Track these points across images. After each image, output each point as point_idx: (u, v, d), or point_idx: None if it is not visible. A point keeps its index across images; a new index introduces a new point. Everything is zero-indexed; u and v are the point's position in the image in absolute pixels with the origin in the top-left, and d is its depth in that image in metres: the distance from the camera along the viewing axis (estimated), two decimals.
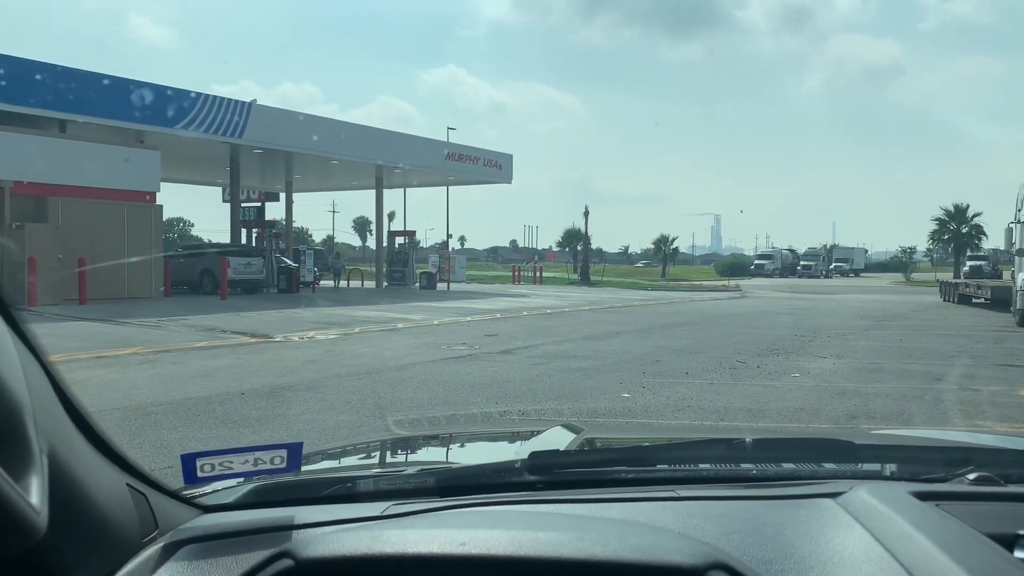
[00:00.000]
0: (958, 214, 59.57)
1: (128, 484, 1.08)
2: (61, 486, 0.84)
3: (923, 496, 1.18)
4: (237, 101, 25.29)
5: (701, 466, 1.47)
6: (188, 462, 1.21)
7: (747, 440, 1.56)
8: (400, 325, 16.38)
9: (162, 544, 1.09)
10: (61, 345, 11.13)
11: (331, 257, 39.67)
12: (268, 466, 1.25)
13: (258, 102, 26.61)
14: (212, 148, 26.37)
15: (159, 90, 23.11)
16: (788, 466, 1.46)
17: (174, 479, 4.30)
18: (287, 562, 0.97)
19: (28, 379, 0.82)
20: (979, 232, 59.34)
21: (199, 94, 24.12)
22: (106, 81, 21.71)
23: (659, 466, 1.47)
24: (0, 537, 0.70)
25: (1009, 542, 1.03)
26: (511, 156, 37.57)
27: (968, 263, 53.72)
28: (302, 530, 1.14)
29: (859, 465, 1.48)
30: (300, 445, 1.28)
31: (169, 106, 23.04)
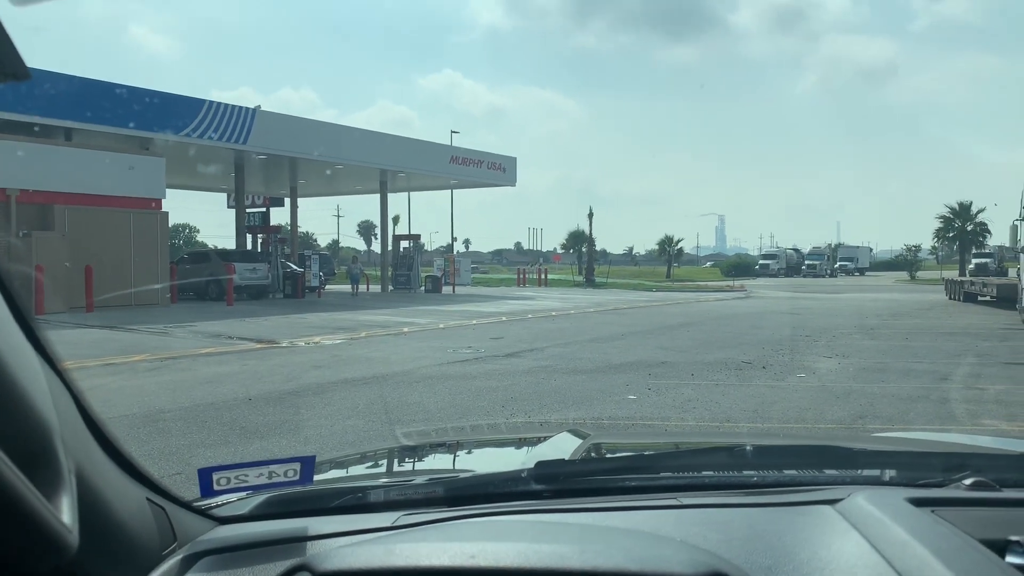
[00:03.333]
0: (963, 211, 59.49)
1: (148, 498, 1.12)
2: (88, 503, 0.88)
3: (919, 502, 1.21)
4: (241, 107, 25.39)
5: (704, 473, 1.50)
6: (205, 476, 1.24)
7: (748, 447, 1.59)
8: (406, 329, 16.42)
9: (181, 556, 1.12)
10: (70, 352, 11.18)
11: (348, 262, 38.43)
12: (282, 479, 1.29)
13: (262, 108, 26.74)
14: (217, 154, 26.46)
15: (163, 97, 23.21)
16: (789, 473, 1.49)
17: (182, 486, 4.31)
18: (305, 575, 1.00)
19: (54, 398, 0.85)
20: (984, 229, 59.29)
21: (203, 101, 24.22)
22: (111, 89, 21.80)
23: (662, 474, 1.50)
24: (36, 555, 0.73)
25: (1002, 548, 1.06)
26: (515, 159, 37.63)
27: (973, 261, 53.64)
28: (316, 541, 1.18)
29: (858, 471, 1.51)
30: (313, 458, 1.31)
31: (174, 113, 23.14)
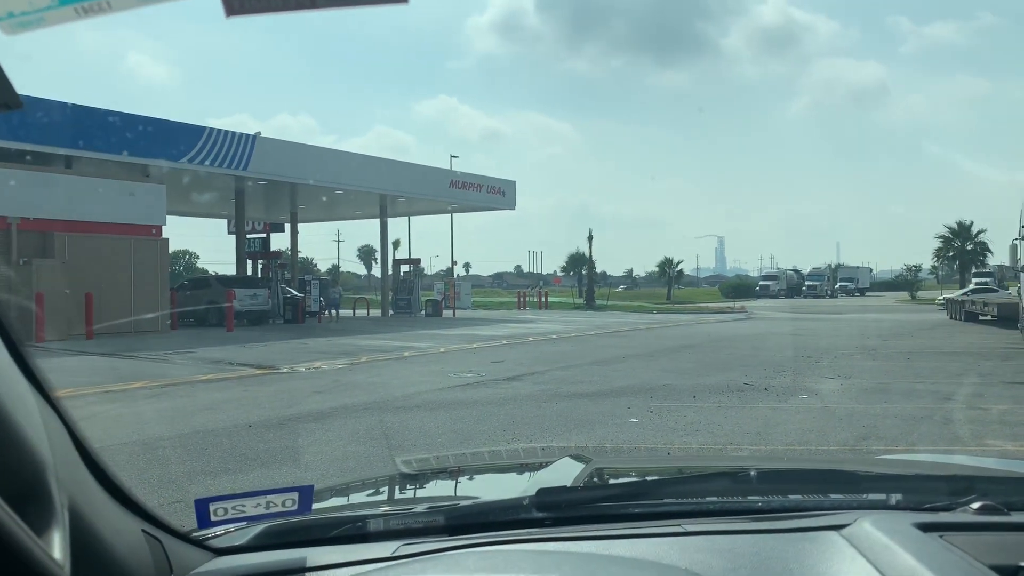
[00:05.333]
0: (962, 231, 59.62)
1: (143, 530, 1.10)
2: (81, 538, 0.86)
3: (926, 527, 1.19)
4: (241, 134, 25.51)
5: (708, 499, 1.48)
6: (201, 507, 1.23)
7: (752, 472, 1.58)
8: (406, 354, 16.39)
9: None
10: (69, 380, 11.16)
11: (327, 286, 34.32)
12: (280, 508, 1.27)
13: (261, 134, 26.86)
14: (217, 181, 26.56)
15: (164, 125, 23.33)
16: (793, 498, 1.47)
17: (182, 515, 4.26)
18: None
19: (47, 430, 0.84)
20: (984, 249, 59.40)
21: (203, 128, 24.34)
22: (111, 117, 21.92)
23: (666, 500, 1.48)
24: None
25: (1012, 573, 1.04)
26: (514, 183, 37.75)
27: (974, 280, 53.67)
28: (315, 572, 1.16)
29: (864, 495, 1.49)
30: (311, 488, 1.30)
31: (174, 140, 23.25)
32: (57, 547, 0.75)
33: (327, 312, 31.47)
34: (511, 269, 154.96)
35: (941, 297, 42.35)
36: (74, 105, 21.06)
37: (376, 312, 36.09)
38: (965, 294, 36.56)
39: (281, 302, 28.46)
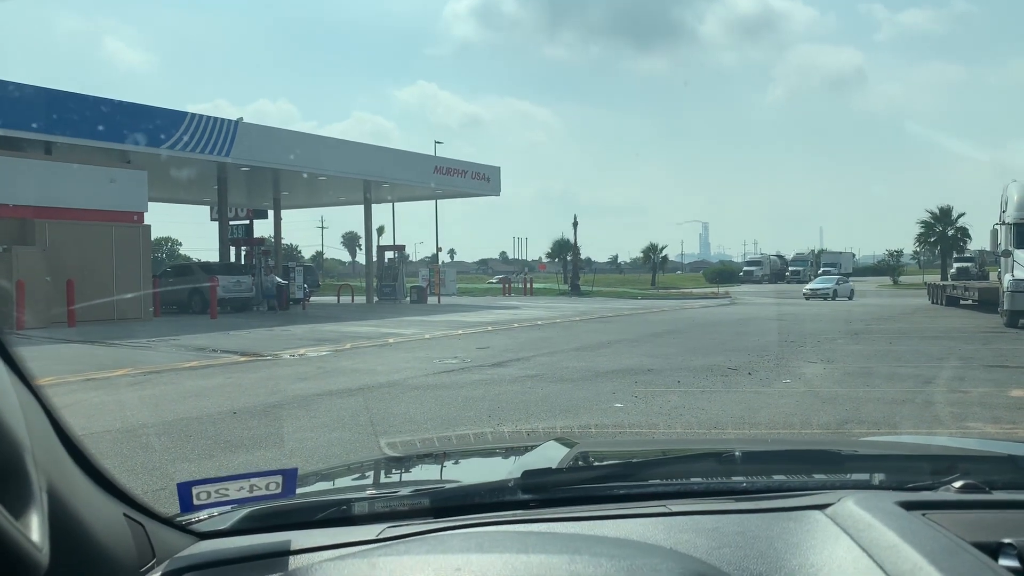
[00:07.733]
0: (943, 216, 60.04)
1: (125, 514, 1.09)
2: (60, 521, 0.85)
3: (909, 505, 1.20)
4: (224, 119, 25.26)
5: (692, 480, 1.48)
6: (184, 490, 1.21)
7: (737, 453, 1.58)
8: (391, 340, 16.36)
9: (160, 573, 1.09)
10: (50, 368, 11.06)
11: (263, 273, 28.27)
12: (264, 492, 1.26)
13: (244, 120, 26.63)
14: (199, 166, 26.33)
15: (145, 110, 23.07)
16: (778, 478, 1.48)
17: (166, 501, 4.24)
18: None
19: (25, 414, 0.83)
20: (965, 234, 59.87)
21: (185, 113, 24.09)
22: (92, 102, 21.65)
23: (651, 481, 1.48)
24: (2, 575, 0.71)
25: (994, 550, 1.05)
26: (498, 168, 37.63)
27: (955, 265, 54.15)
28: (299, 555, 1.15)
29: (847, 475, 1.50)
30: (295, 471, 1.29)
31: (155, 126, 22.98)
32: (35, 529, 0.74)
33: (265, 303, 27.71)
34: (496, 255, 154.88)
35: (808, 287, 42.85)
36: (55, 90, 20.78)
37: (361, 299, 35.99)
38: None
39: (264, 289, 28.30)
